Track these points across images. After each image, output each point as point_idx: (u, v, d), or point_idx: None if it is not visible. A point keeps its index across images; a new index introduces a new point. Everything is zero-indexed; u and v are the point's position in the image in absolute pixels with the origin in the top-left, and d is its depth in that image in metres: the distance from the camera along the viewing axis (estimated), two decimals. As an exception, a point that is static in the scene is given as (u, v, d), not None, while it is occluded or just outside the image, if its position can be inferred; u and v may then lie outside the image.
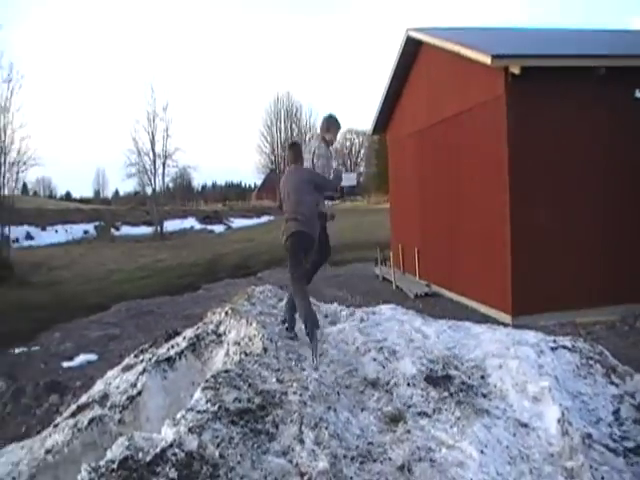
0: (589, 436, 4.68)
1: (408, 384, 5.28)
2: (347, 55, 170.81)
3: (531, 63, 12.02)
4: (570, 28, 19.05)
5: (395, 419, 4.82)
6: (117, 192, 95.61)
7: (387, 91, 20.19)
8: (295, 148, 6.99)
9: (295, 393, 4.75)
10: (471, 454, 4.35)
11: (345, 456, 4.26)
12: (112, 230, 46.58)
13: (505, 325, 9.91)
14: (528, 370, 5.38)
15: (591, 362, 5.98)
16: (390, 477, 4.09)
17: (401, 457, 4.27)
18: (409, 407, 5.00)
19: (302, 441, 4.29)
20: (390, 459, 4.29)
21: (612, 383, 5.73)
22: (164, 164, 50.62)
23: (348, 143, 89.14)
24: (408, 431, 4.62)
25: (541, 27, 19.76)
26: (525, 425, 4.88)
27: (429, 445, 4.46)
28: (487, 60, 12.13)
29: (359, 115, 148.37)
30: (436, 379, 5.36)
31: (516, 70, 11.89)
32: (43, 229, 42.88)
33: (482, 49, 12.75)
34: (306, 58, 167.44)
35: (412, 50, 17.96)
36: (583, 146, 12.43)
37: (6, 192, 31.88)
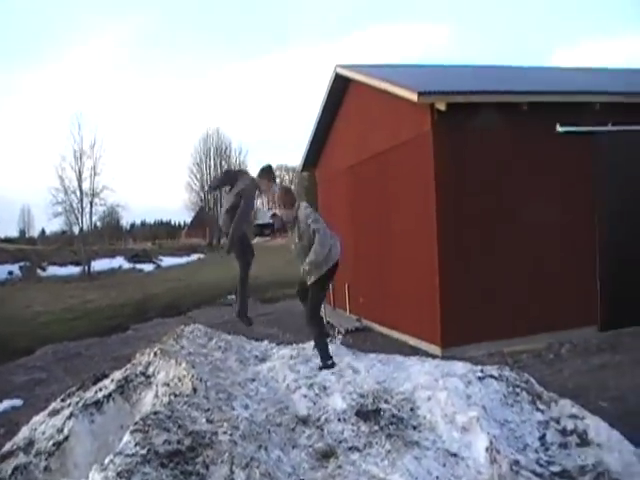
0: (517, 463, 4.77)
1: (339, 419, 5.29)
2: (277, 92, 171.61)
3: (456, 99, 12.32)
4: (493, 65, 19.57)
5: (327, 455, 4.83)
6: (43, 231, 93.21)
7: (317, 127, 20.36)
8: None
9: (225, 433, 4.71)
10: (402, 487, 4.38)
11: (277, 495, 4.25)
12: (38, 271, 45.50)
13: (435, 357, 10.04)
14: (457, 401, 5.46)
15: (517, 390, 6.10)
16: (322, 514, 4.09)
17: (333, 493, 4.27)
18: (340, 442, 5.01)
19: (233, 481, 4.26)
20: (322, 496, 4.29)
21: (538, 409, 5.86)
22: (91, 203, 50.11)
23: (278, 180, 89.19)
24: (339, 466, 4.64)
25: (465, 64, 20.21)
26: (455, 455, 4.94)
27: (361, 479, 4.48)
28: (413, 97, 12.38)
29: (289, 151, 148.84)
30: (366, 413, 5.39)
31: (442, 106, 12.17)
32: (-35, 271, 41.65)
33: (408, 86, 13.01)
34: (236, 94, 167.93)
35: (341, 86, 18.20)
36: (509, 179, 12.77)
37: None
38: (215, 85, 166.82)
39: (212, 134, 79.00)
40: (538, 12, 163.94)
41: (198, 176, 78.36)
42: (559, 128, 12.90)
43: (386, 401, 5.62)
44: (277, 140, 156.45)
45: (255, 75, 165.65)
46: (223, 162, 76.75)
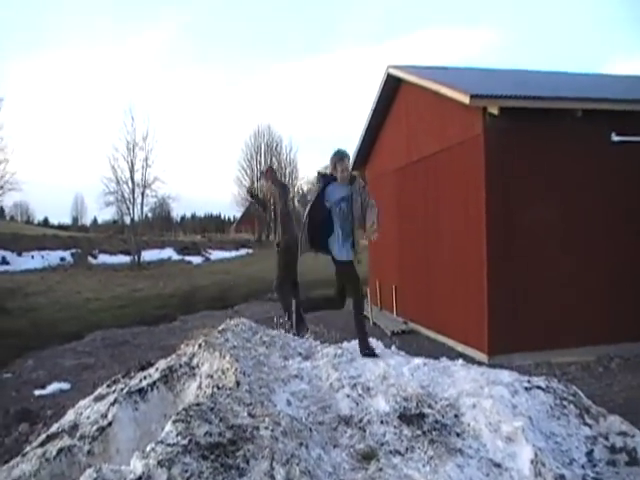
0: (562, 477, 4.65)
1: (381, 422, 5.23)
2: (329, 90, 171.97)
3: (509, 104, 12.19)
4: (546, 70, 19.35)
5: (367, 457, 4.77)
6: (95, 220, 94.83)
7: (367, 127, 20.37)
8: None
9: (267, 428, 4.69)
10: (443, 494, 4.31)
11: (316, 494, 4.22)
12: (89, 258, 46.17)
13: (481, 364, 9.91)
14: (502, 410, 5.35)
15: (565, 403, 5.96)
16: (361, 516, 4.04)
17: (372, 496, 4.22)
18: (382, 445, 4.95)
19: (273, 477, 4.23)
20: (362, 498, 4.24)
21: (586, 424, 5.71)
22: (143, 194, 50.47)
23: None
24: (380, 469, 4.57)
25: (517, 68, 20.02)
26: (498, 465, 4.84)
27: (401, 484, 4.42)
28: (465, 100, 12.29)
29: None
30: (410, 417, 5.31)
31: (494, 110, 12.05)
32: (19, 254, 42.42)
33: (461, 88, 12.93)
34: (288, 92, 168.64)
35: (392, 87, 18.16)
36: (561, 186, 12.57)
37: (-18, 216, 31.78)
38: (266, 82, 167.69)
39: (263, 130, 79.01)
40: (593, 19, 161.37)
41: (248, 171, 78.44)
42: (614, 137, 12.65)
43: (430, 406, 5.54)
44: (328, 139, 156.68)
45: (306, 74, 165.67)
46: (273, 158, 76.78)
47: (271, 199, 9.50)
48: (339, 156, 7.00)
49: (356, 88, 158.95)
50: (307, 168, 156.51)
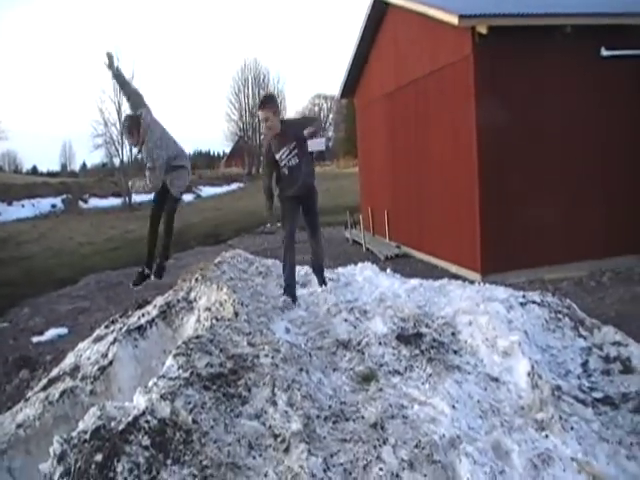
0: (558, 388, 4.74)
1: (380, 343, 5.29)
2: (314, 18, 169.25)
3: (498, 22, 12.03)
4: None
5: (367, 378, 4.84)
6: (85, 165, 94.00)
7: (355, 54, 20.09)
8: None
9: (267, 356, 4.74)
10: (443, 410, 4.37)
11: (318, 416, 4.28)
12: (80, 203, 45.98)
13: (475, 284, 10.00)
14: (498, 325, 5.42)
15: (560, 316, 6.05)
16: (363, 435, 4.11)
17: (374, 415, 4.29)
18: (381, 366, 5.01)
19: (275, 403, 4.30)
20: (363, 417, 4.31)
21: (580, 336, 5.81)
22: (131, 134, 49.95)
23: (316, 108, 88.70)
24: (380, 389, 4.65)
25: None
26: (496, 379, 4.93)
27: (401, 402, 4.49)
28: (454, 20, 12.12)
29: (327, 79, 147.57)
30: (407, 337, 5.37)
31: (483, 30, 11.90)
32: (9, 204, 42.21)
33: (449, 9, 12.71)
34: (273, 24, 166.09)
35: (379, 12, 17.86)
36: (551, 104, 12.50)
37: (-29, 167, 31.54)
38: (251, 14, 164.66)
39: (250, 64, 78.10)
40: None
41: (237, 105, 77.85)
42: (604, 52, 12.52)
43: (427, 325, 5.60)
44: (315, 68, 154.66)
45: (292, 4, 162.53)
46: (261, 91, 75.95)
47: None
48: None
49: (343, 15, 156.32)
50: (295, 100, 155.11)
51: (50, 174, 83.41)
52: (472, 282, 7.65)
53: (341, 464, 3.87)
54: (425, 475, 3.79)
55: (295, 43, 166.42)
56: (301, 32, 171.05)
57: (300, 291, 6.57)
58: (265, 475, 3.78)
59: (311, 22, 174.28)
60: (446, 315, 5.83)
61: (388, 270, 7.89)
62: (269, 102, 6.36)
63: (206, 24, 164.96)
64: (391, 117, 18.22)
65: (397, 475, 3.78)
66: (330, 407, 4.45)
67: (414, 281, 7.12)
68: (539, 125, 12.43)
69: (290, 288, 6.36)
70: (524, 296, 6.34)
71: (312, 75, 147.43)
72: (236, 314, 5.53)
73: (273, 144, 6.30)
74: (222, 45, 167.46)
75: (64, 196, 46.50)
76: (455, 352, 5.24)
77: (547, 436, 4.26)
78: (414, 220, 16.49)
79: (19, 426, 5.56)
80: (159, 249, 7.32)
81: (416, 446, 3.97)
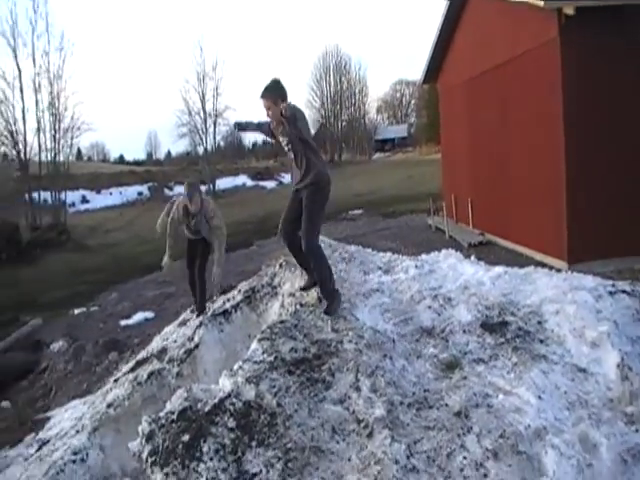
0: (649, 381, 4.60)
1: (464, 331, 5.24)
2: (396, 4, 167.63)
3: (585, 3, 11.63)
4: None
5: (451, 366, 4.81)
6: (169, 153, 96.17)
7: (437, 39, 19.84)
8: None
9: (351, 342, 4.77)
10: (529, 400, 4.31)
11: (402, 403, 4.28)
12: (165, 190, 47.04)
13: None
14: (586, 315, 5.28)
15: (651, 306, 5.85)
16: (447, 423, 4.09)
17: (458, 403, 4.26)
18: (465, 354, 4.96)
19: (358, 389, 4.32)
20: (447, 405, 4.29)
21: (672, 328, 5.61)
22: (215, 123, 51.05)
23: (398, 94, 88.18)
24: (464, 378, 4.61)
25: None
26: (583, 370, 4.81)
27: (486, 391, 4.44)
28: (539, 2, 11.80)
29: (409, 65, 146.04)
30: (492, 325, 5.30)
31: (570, 11, 11.53)
32: (98, 192, 43.59)
33: (533, -10, 12.38)
34: (355, 10, 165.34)
35: (462, -4, 17.60)
36: (640, 87, 12.06)
37: (61, 158, 32.66)
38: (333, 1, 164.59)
39: (331, 50, 78.05)
40: None
41: (318, 92, 78.01)
42: None
43: (512, 314, 5.50)
44: (397, 54, 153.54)
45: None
46: (342, 78, 76.00)
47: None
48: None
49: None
50: (377, 86, 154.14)
51: (137, 163, 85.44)
52: (558, 270, 7.46)
53: (424, 451, 3.86)
54: (510, 465, 3.75)
55: (377, 29, 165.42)
56: (383, 18, 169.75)
57: (383, 278, 6.54)
58: (348, 460, 3.81)
59: (393, 8, 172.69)
60: (532, 304, 5.71)
61: (472, 257, 7.76)
62: (269, 91, 5.90)
63: (288, 11, 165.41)
64: (473, 103, 17.93)
65: (481, 464, 3.75)
66: (414, 394, 4.44)
67: (499, 269, 6.96)
68: (629, 109, 12.01)
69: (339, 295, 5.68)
70: (613, 285, 6.13)
71: (394, 61, 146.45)
72: (320, 300, 5.55)
73: (275, 132, 6.04)
74: (303, 32, 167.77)
75: (150, 184, 47.69)
76: (541, 341, 5.13)
77: (637, 430, 4.15)
78: (498, 207, 16.21)
79: (109, 405, 5.77)
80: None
81: (501, 436, 3.93)
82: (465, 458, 3.77)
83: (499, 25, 15.39)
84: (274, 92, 5.79)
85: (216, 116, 51.07)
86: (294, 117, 5.47)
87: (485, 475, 3.70)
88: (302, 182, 5.76)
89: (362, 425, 4.02)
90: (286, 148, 5.90)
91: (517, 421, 4.06)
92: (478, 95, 17.43)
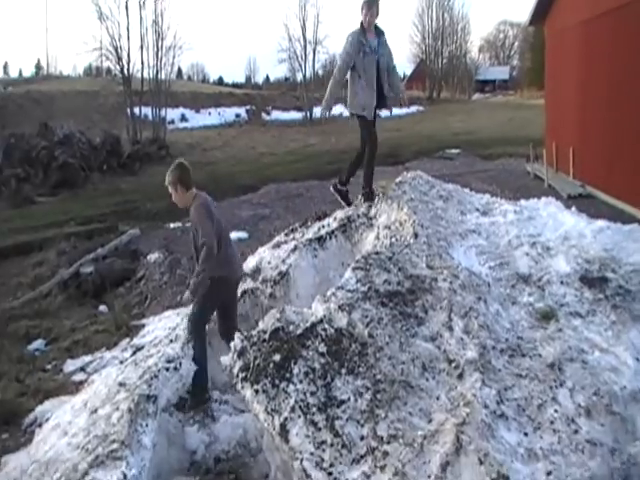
0: None
1: (561, 282, 5.07)
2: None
3: None
4: None
5: (547, 316, 4.67)
6: (267, 78, 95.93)
7: (548, -22, 18.86)
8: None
9: (445, 280, 4.68)
10: (626, 361, 4.16)
11: (494, 348, 4.20)
12: (263, 114, 47.21)
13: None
14: (694, 277, 5.04)
15: None
16: (539, 373, 4.00)
17: (552, 355, 4.15)
18: (562, 306, 4.81)
19: (451, 328, 4.25)
20: (540, 356, 4.19)
21: None
22: (314, 50, 50.67)
23: (501, 35, 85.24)
24: (560, 330, 4.48)
25: None
26: (686, 336, 4.61)
27: (581, 346, 4.31)
28: None
29: (514, 5, 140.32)
30: (591, 280, 5.11)
31: None
32: (197, 112, 43.99)
33: None
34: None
35: None
36: None
37: (163, 76, 33.07)
38: None
39: (435, -16, 75.65)
40: None
41: (419, 28, 75.96)
42: None
43: (613, 270, 5.28)
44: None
45: None
46: (445, 14, 73.77)
47: None
48: (367, 2, 6.80)
49: None
50: (480, 25, 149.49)
51: (235, 85, 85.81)
52: (664, 232, 7.11)
53: (515, 399, 3.79)
54: (602, 425, 3.65)
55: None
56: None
57: (481, 219, 6.38)
58: (437, 398, 3.77)
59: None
60: (635, 262, 5.46)
61: (573, 208, 7.48)
62: None
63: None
64: (586, 47, 17.02)
65: (573, 420, 3.66)
66: (507, 340, 4.35)
67: (601, 222, 6.67)
68: None
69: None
70: None
71: (499, 0, 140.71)
72: (416, 235, 5.46)
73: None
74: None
75: (248, 107, 47.89)
76: (643, 302, 4.92)
77: None
78: (603, 160, 15.53)
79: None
80: None
81: (595, 394, 3.82)
82: (556, 411, 3.68)
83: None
84: None
85: (316, 44, 50.70)
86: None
87: (576, 431, 3.61)
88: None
89: (453, 365, 3.97)
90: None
91: (613, 381, 3.94)
92: (591, 39, 16.53)
